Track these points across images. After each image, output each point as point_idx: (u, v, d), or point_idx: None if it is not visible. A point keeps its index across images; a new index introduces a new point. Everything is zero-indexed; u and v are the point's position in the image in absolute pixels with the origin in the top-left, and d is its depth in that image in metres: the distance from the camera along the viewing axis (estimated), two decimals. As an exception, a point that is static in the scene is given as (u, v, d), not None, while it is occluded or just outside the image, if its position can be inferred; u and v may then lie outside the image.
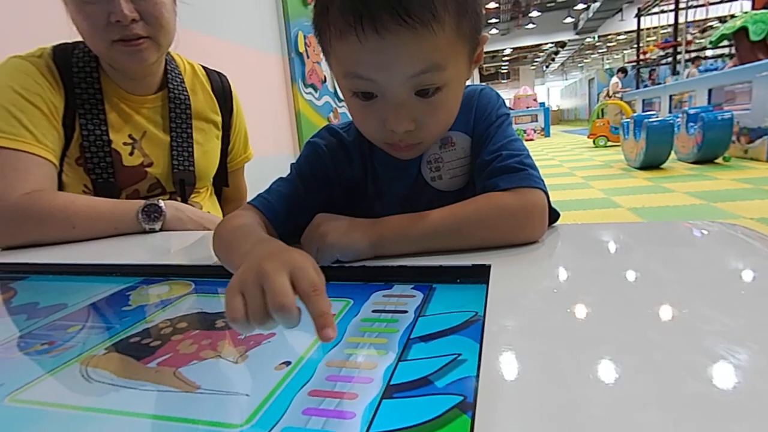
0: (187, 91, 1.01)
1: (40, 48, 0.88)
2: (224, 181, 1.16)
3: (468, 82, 0.59)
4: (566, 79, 33.22)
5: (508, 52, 25.02)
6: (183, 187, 0.99)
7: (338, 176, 0.65)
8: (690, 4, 9.55)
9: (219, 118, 1.08)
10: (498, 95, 0.67)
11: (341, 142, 0.66)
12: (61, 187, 0.87)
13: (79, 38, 0.87)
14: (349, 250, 0.51)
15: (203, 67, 1.10)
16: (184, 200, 0.98)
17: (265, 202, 0.60)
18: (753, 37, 5.16)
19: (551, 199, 0.57)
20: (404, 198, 0.65)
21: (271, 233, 0.56)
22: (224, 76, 1.13)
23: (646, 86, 9.89)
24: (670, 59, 9.59)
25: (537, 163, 0.59)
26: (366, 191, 0.67)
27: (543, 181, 0.57)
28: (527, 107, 13.34)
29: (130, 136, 0.93)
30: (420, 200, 0.64)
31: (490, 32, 20.56)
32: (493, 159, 0.58)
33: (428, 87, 0.51)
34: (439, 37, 0.48)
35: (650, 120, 4.64)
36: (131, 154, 0.92)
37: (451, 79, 0.52)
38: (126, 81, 0.93)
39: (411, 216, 0.54)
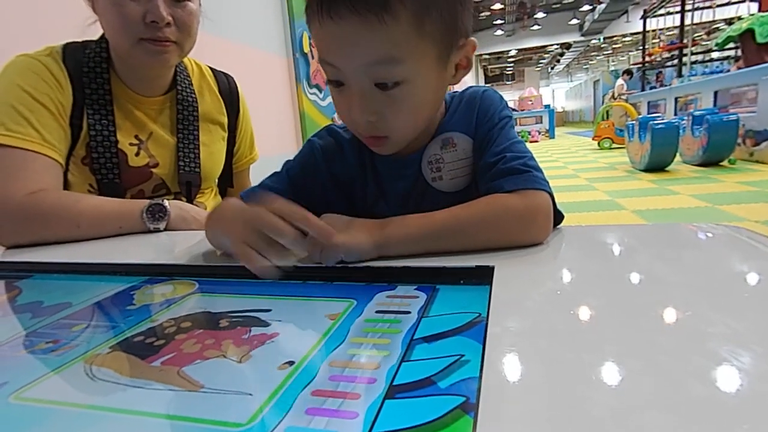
0: (194, 93, 1.01)
1: (49, 47, 0.88)
2: (229, 182, 1.16)
3: (472, 83, 0.60)
4: (571, 81, 33.11)
5: (513, 53, 24.95)
6: (189, 188, 0.99)
7: (331, 175, 0.67)
8: (696, 5, 9.50)
9: (225, 120, 1.09)
10: (501, 97, 0.67)
11: (338, 140, 0.69)
12: (66, 186, 0.87)
13: (87, 38, 0.87)
14: (353, 250, 0.51)
15: (210, 69, 1.10)
16: (190, 201, 0.99)
17: (253, 195, 0.62)
18: (759, 40, 5.13)
19: (555, 200, 0.57)
20: (406, 198, 0.65)
21: None
22: (231, 77, 1.13)
23: (653, 88, 9.86)
24: (675, 61, 9.54)
25: (541, 165, 0.59)
26: (366, 190, 0.67)
27: (548, 182, 0.57)
28: (522, 109, 13.26)
29: (136, 136, 0.93)
30: (421, 200, 0.64)
31: (495, 33, 20.51)
32: (497, 161, 0.58)
33: (386, 80, 0.53)
34: (392, 29, 0.49)
35: (655, 122, 4.62)
36: (137, 154, 0.93)
37: (412, 76, 0.54)
38: (136, 82, 0.93)
39: (416, 217, 0.54)
